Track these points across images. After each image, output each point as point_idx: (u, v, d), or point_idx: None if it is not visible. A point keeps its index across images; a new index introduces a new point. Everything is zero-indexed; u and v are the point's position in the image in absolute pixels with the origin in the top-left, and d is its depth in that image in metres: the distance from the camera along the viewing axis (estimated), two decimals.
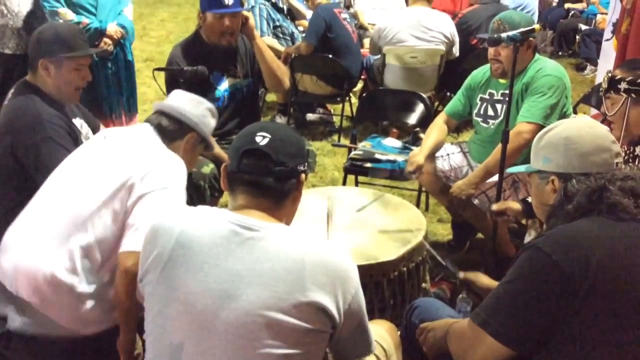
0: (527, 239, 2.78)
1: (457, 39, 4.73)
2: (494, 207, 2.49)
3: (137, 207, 1.81)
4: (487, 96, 3.01)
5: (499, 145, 2.58)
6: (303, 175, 1.48)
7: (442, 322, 1.77)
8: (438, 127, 3.14)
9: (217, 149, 2.97)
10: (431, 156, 3.09)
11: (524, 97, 2.81)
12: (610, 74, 2.18)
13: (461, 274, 2.17)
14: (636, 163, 2.08)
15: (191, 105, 2.14)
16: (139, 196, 1.82)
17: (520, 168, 1.82)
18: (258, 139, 1.41)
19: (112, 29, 3.45)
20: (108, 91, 3.65)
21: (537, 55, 2.88)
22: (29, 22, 3.41)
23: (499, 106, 2.95)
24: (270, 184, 1.41)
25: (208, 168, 2.87)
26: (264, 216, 1.42)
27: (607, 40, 4.54)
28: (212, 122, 2.23)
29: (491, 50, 2.85)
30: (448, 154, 3.17)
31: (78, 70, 2.43)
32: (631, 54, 3.78)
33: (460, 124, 4.24)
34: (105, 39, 3.45)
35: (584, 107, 4.12)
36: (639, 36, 3.78)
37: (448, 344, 1.62)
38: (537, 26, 2.62)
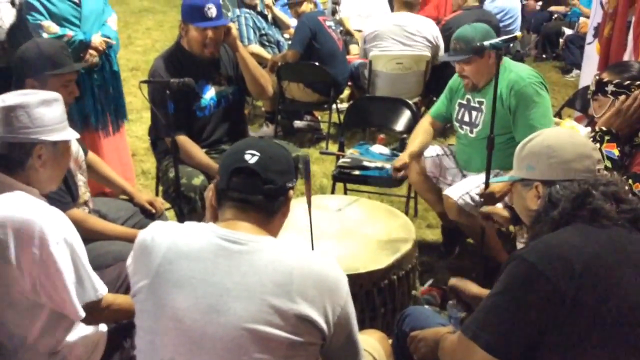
0: (519, 245, 2.79)
1: (441, 43, 4.75)
2: (482, 209, 2.50)
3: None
4: (464, 102, 3.04)
5: None
6: (291, 192, 1.49)
7: (432, 331, 1.77)
8: (423, 128, 3.17)
9: (206, 159, 2.97)
10: (419, 156, 3.11)
11: (504, 105, 2.79)
12: (597, 77, 2.21)
13: (452, 280, 2.17)
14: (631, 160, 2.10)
15: (14, 118, 1.68)
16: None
17: (503, 179, 1.84)
18: (247, 156, 1.42)
19: (97, 40, 3.43)
20: (94, 103, 3.62)
21: (503, 58, 2.83)
22: (13, 35, 3.38)
23: (474, 113, 2.98)
24: (260, 202, 1.42)
25: (199, 180, 2.85)
26: (252, 229, 1.42)
27: (589, 43, 4.60)
28: (52, 112, 1.77)
29: (457, 67, 2.91)
30: (438, 155, 3.20)
31: (65, 86, 2.41)
32: (614, 57, 3.84)
33: (447, 128, 4.28)
34: (91, 51, 3.43)
35: (568, 111, 4.15)
36: (622, 39, 3.84)
37: (440, 359, 1.62)
38: (518, 34, 2.70)
